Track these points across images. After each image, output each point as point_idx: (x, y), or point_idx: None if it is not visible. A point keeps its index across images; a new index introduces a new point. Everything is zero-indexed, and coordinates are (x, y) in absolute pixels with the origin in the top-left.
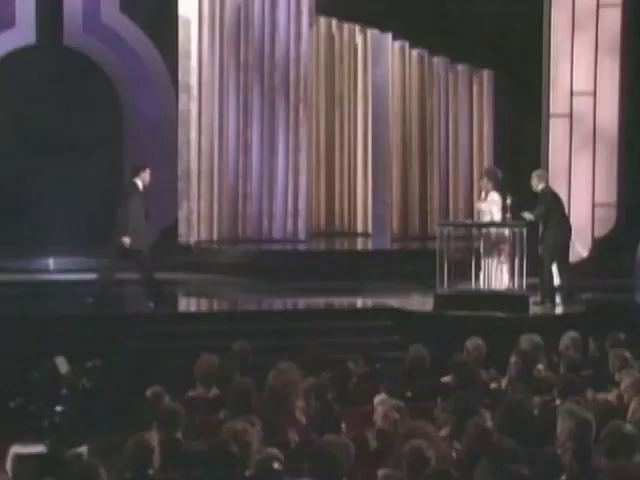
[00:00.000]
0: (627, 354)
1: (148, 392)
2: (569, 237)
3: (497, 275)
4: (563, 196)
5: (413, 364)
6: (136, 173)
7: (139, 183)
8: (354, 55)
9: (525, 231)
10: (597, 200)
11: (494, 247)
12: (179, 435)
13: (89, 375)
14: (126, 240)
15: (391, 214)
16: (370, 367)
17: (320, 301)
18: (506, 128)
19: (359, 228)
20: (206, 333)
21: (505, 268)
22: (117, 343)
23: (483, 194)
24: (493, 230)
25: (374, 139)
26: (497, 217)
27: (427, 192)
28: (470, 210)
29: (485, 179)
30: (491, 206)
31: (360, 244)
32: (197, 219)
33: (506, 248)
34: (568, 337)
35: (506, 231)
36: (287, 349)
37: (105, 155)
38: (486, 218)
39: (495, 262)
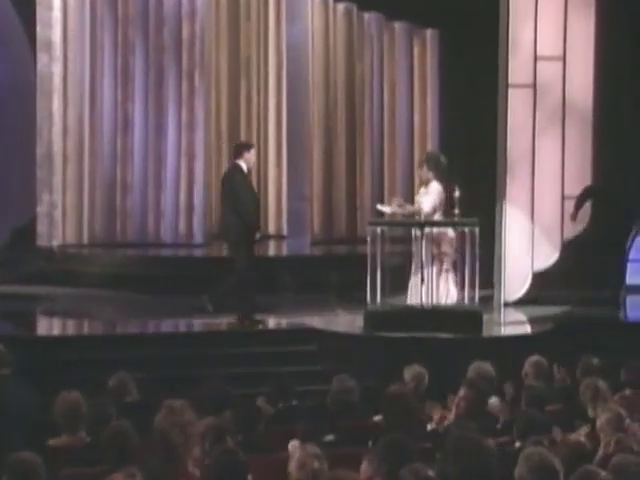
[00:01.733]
0: (602, 384)
1: None
2: None
3: (442, 287)
4: (525, 186)
5: (338, 399)
6: (239, 153)
7: (243, 165)
8: (264, 9)
9: (477, 231)
10: (567, 191)
11: (436, 252)
12: None
13: None
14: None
15: (311, 210)
16: (284, 404)
17: (222, 321)
18: (455, 101)
19: (271, 228)
20: (73, 363)
21: (450, 277)
22: None
23: (423, 186)
24: (435, 230)
25: (290, 115)
26: (437, 213)
27: (356, 182)
28: (411, 204)
29: (425, 167)
30: (431, 199)
31: (272, 249)
32: (62, 216)
33: (450, 252)
34: (530, 363)
35: (450, 231)
36: (178, 382)
37: None
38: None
39: (436, 270)
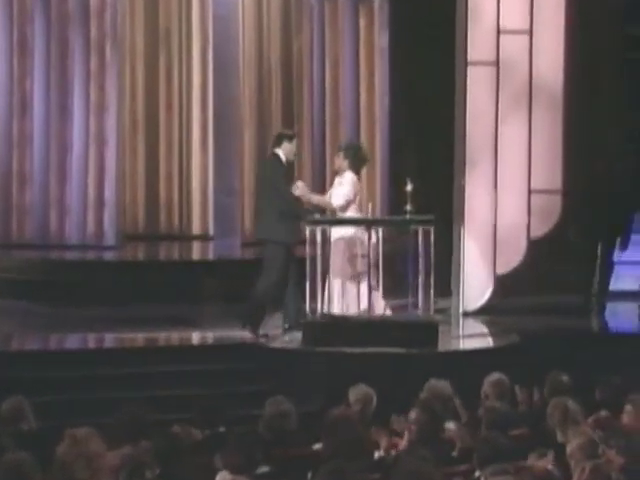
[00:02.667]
0: (572, 404)
1: None
2: None
3: (351, 295)
4: (487, 178)
5: (272, 425)
6: (278, 142)
7: (282, 156)
8: None
9: (432, 230)
10: (535, 184)
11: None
12: None
13: None
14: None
15: (242, 207)
16: (211, 431)
17: (137, 336)
18: (407, 81)
19: (195, 228)
20: None
21: (369, 284)
22: None
23: (337, 176)
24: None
25: (216, 95)
26: (351, 207)
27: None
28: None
29: (341, 154)
30: (344, 191)
31: (196, 251)
32: None
33: (364, 255)
34: (492, 382)
35: (368, 236)
36: (86, 407)
37: None
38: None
39: (348, 276)
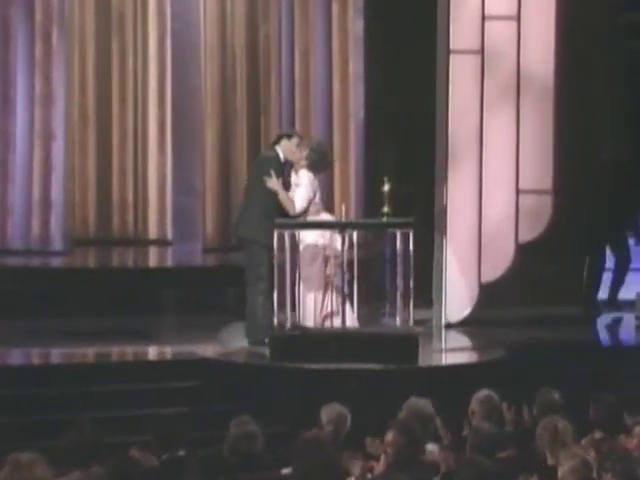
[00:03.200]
0: (564, 424)
1: None
2: None
3: (309, 305)
4: (471, 178)
5: (237, 448)
6: (278, 140)
7: (280, 153)
8: None
9: (411, 234)
10: (524, 184)
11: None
12: None
13: None
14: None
15: (203, 208)
16: (170, 455)
17: (88, 351)
18: (384, 71)
19: (152, 232)
20: None
21: (342, 296)
22: None
23: (294, 174)
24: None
25: (175, 87)
26: (308, 208)
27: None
28: (331, 198)
29: (305, 153)
30: (304, 193)
31: (153, 257)
32: None
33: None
34: (480, 399)
35: (338, 241)
36: (30, 429)
37: None
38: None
39: (304, 286)
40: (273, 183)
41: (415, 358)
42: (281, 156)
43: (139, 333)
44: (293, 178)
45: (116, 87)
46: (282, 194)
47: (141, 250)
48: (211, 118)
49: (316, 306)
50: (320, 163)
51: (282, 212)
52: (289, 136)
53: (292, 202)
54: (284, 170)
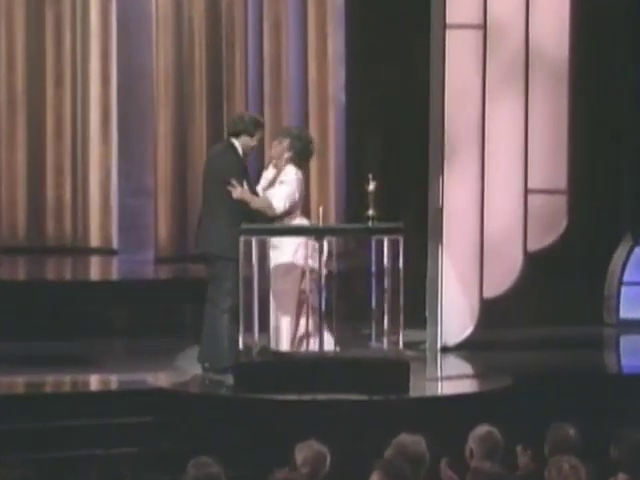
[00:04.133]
0: (576, 463)
1: None
2: None
3: (284, 327)
4: (471, 175)
5: None
6: (236, 131)
7: (238, 147)
8: None
9: (401, 241)
10: (533, 183)
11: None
12: None
13: None
14: None
15: (155, 212)
16: None
17: (16, 380)
18: (367, 49)
19: (94, 239)
20: None
21: (320, 315)
22: None
23: (273, 169)
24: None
25: (122, 66)
26: (294, 213)
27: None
28: (306, 199)
29: (285, 143)
30: (287, 192)
31: (96, 269)
32: None
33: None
34: (479, 436)
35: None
36: None
37: None
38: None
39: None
40: (239, 192)
41: (405, 387)
42: (240, 151)
43: (78, 359)
44: (268, 173)
45: (51, 68)
46: (255, 201)
47: (81, 260)
48: (164, 103)
49: (290, 327)
50: (305, 152)
51: (253, 218)
52: (250, 133)
53: (269, 202)
54: (246, 168)
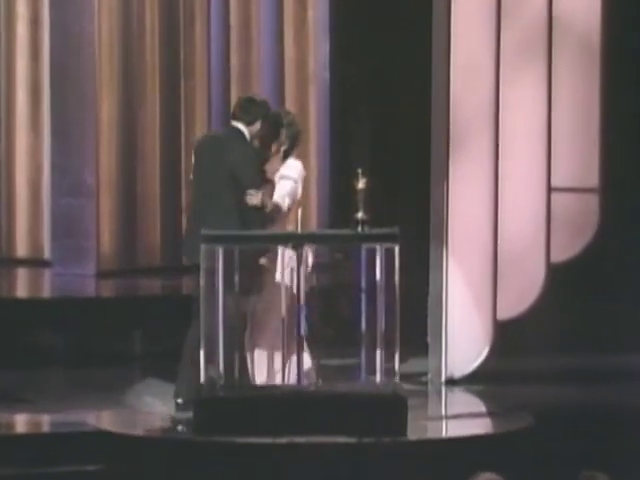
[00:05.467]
0: None
1: None
2: None
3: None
4: (483, 170)
5: None
6: (241, 114)
7: (245, 132)
8: None
9: (397, 251)
10: (557, 180)
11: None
12: None
13: None
14: None
15: (97, 214)
16: None
17: None
18: (356, 19)
19: (21, 247)
20: None
21: (299, 341)
22: None
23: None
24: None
25: (55, 37)
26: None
27: (180, 164)
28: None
29: (284, 131)
30: (290, 186)
31: (24, 284)
32: None
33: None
34: None
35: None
36: None
37: None
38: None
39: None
40: (258, 199)
41: (402, 428)
42: (247, 136)
43: (4, 394)
44: (275, 164)
45: None
46: (270, 204)
47: (6, 273)
48: (108, 82)
49: (266, 355)
50: (296, 141)
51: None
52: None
53: (279, 206)
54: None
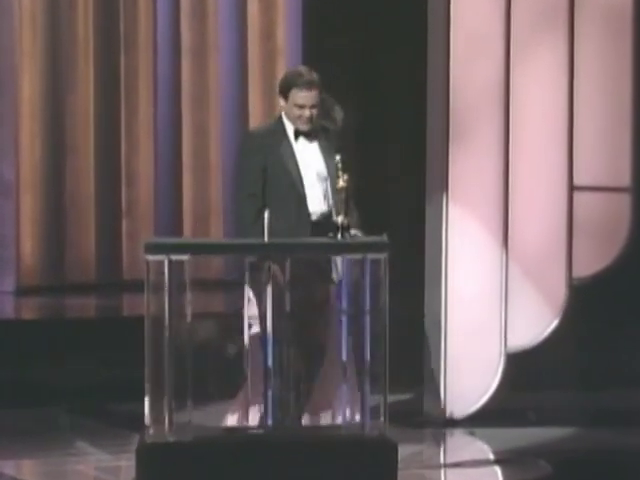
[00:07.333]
0: None
1: None
2: None
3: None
4: (490, 164)
5: None
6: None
7: (286, 121)
8: None
9: (385, 262)
10: (580, 178)
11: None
12: None
13: None
14: None
15: (17, 216)
16: None
17: None
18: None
19: None
20: None
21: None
22: None
23: None
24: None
25: None
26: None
27: (137, 163)
28: None
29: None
30: None
31: None
32: None
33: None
34: None
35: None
36: None
37: None
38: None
39: None
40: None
41: (392, 478)
42: (287, 126)
43: None
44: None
45: None
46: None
47: None
48: (30, 55)
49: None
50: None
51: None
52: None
53: None
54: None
